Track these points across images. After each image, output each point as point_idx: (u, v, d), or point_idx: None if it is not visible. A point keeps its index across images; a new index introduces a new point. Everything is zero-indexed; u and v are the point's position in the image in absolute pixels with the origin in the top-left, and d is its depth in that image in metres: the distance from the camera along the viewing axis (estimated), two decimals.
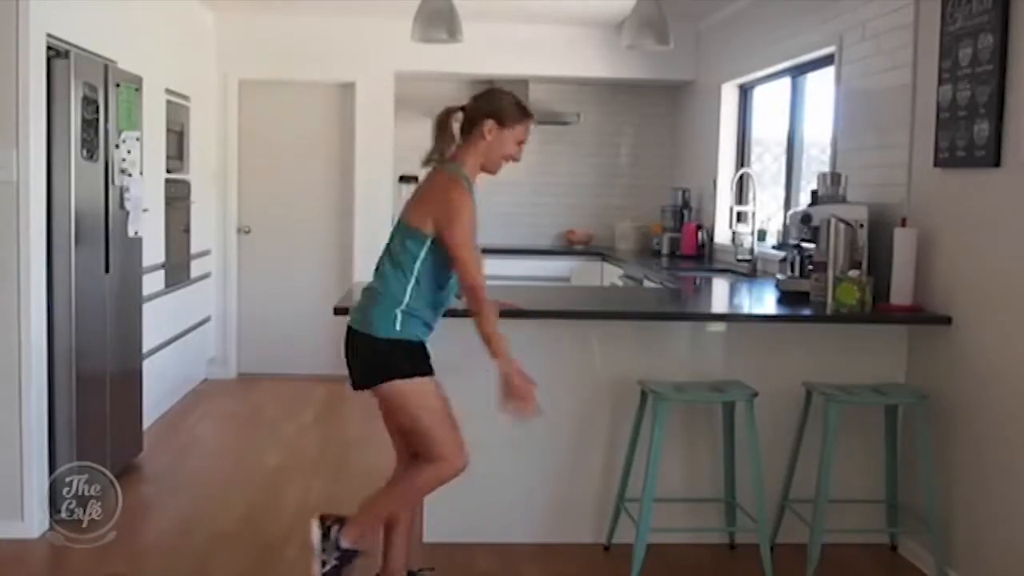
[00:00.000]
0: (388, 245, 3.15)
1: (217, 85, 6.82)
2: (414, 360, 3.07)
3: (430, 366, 3.10)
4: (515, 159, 3.21)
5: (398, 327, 3.03)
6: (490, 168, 3.20)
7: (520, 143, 3.19)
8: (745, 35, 6.00)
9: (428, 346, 3.13)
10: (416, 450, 3.15)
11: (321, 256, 7.03)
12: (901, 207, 3.89)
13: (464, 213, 3.02)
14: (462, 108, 3.16)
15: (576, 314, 3.90)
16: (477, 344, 3.80)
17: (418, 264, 3.05)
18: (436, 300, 3.12)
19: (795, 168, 5.46)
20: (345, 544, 3.11)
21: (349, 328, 3.12)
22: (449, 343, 3.80)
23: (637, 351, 3.83)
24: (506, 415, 3.05)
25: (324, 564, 3.10)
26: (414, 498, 3.29)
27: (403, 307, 3.04)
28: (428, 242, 3.03)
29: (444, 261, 3.06)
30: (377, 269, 3.15)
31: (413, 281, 3.05)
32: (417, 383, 3.06)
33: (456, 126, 3.15)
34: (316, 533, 3.12)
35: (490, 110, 3.12)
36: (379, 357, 3.05)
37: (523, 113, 3.18)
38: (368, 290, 3.14)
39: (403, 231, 3.08)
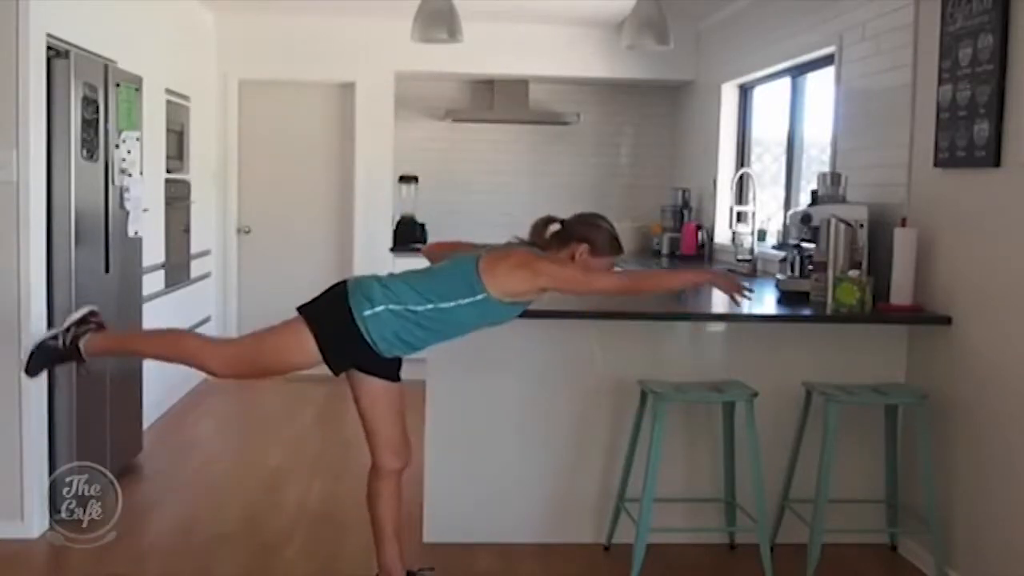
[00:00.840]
0: (441, 266, 3.17)
1: (217, 85, 6.82)
2: (342, 343, 3.02)
3: (346, 359, 3.08)
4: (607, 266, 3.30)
5: (367, 313, 3.00)
6: (561, 287, 3.20)
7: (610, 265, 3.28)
8: (745, 35, 6.00)
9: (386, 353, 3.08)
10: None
11: (321, 256, 7.03)
12: (901, 207, 3.89)
13: (549, 264, 3.10)
14: (561, 222, 3.27)
15: (576, 314, 3.90)
16: (477, 347, 3.82)
17: (452, 304, 3.03)
18: (430, 335, 3.11)
19: (795, 168, 5.46)
20: (81, 348, 3.16)
21: (345, 281, 3.12)
22: (449, 344, 3.81)
23: (637, 351, 3.83)
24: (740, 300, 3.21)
25: (56, 338, 3.17)
26: (166, 349, 3.30)
27: (398, 309, 3.01)
28: (479, 298, 3.03)
29: (474, 322, 3.13)
30: (413, 272, 3.16)
31: (431, 307, 3.03)
32: (307, 344, 3.01)
33: (550, 232, 3.27)
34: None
35: (590, 236, 3.24)
36: (332, 311, 3.03)
37: (615, 250, 3.29)
38: (391, 275, 3.16)
39: (469, 274, 3.05)
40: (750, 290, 3.23)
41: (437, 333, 3.11)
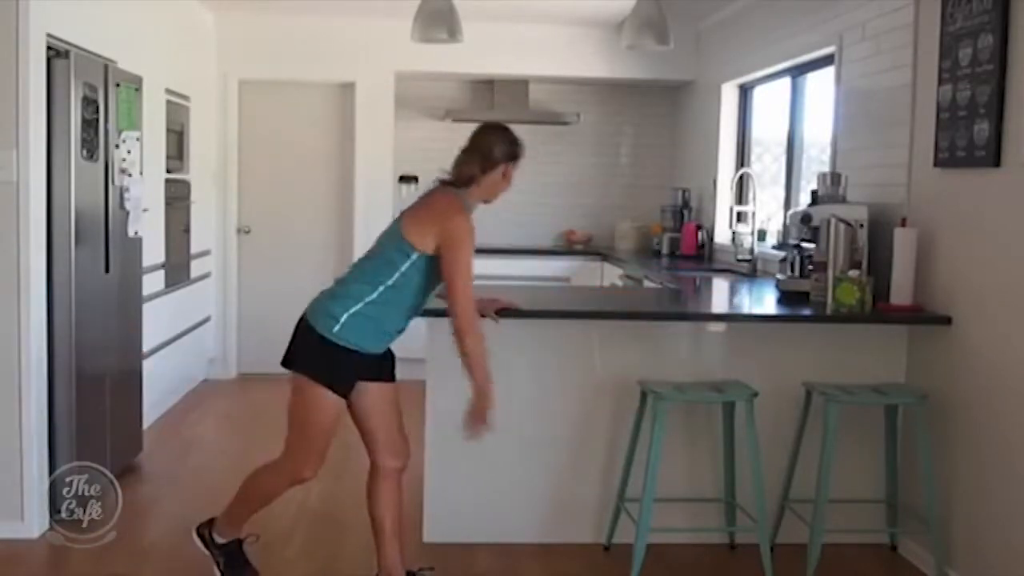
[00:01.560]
0: (374, 246, 3.20)
1: (217, 85, 6.82)
2: (335, 369, 3.10)
3: (349, 379, 3.13)
4: (507, 184, 3.33)
5: (336, 329, 3.06)
6: (491, 200, 3.33)
7: (507, 178, 3.30)
8: (745, 35, 6.00)
9: (388, 348, 3.21)
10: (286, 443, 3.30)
11: (321, 256, 7.02)
12: (901, 207, 3.89)
13: (470, 245, 3.09)
14: (473, 148, 3.27)
15: (576, 314, 3.90)
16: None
17: (396, 276, 3.08)
18: (402, 312, 3.15)
19: (795, 168, 5.46)
20: (221, 540, 3.38)
21: (304, 315, 3.17)
22: (450, 344, 3.81)
23: (637, 351, 3.83)
24: (470, 433, 3.13)
25: (218, 565, 3.39)
26: (262, 494, 3.37)
27: (358, 308, 3.06)
28: (414, 257, 3.07)
29: (427, 280, 3.12)
30: (355, 265, 3.21)
31: (382, 288, 3.08)
32: (319, 392, 3.11)
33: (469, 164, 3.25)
34: (199, 544, 3.40)
35: (512, 152, 3.25)
36: (309, 349, 3.12)
37: (522, 151, 3.31)
38: (337, 282, 3.19)
39: (395, 239, 3.12)
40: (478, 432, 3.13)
41: (407, 306, 3.14)
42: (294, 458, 3.26)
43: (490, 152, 3.21)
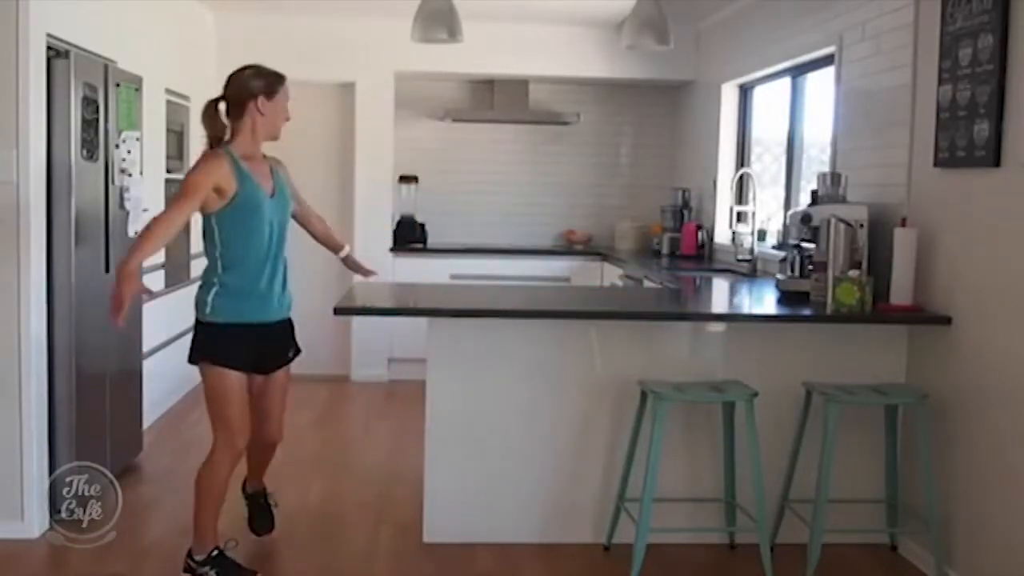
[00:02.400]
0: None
1: (217, 85, 6.76)
2: (215, 344, 3.33)
3: (234, 350, 3.34)
4: (288, 118, 3.48)
5: (208, 310, 3.33)
6: (275, 134, 3.46)
7: (286, 109, 3.46)
8: (745, 35, 6.00)
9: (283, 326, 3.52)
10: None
11: (321, 256, 6.98)
12: (901, 207, 3.89)
13: (190, 185, 3.28)
14: (223, 97, 3.40)
15: (576, 314, 3.90)
16: (477, 347, 3.82)
17: (216, 238, 3.32)
18: (249, 266, 3.35)
19: (795, 168, 5.46)
20: (201, 557, 3.44)
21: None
22: (450, 344, 3.81)
23: (637, 351, 3.83)
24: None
25: None
26: (212, 487, 3.43)
27: (217, 287, 3.33)
28: (212, 219, 3.31)
29: (243, 228, 3.32)
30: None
31: (219, 258, 3.33)
32: (218, 375, 3.33)
33: (222, 114, 3.40)
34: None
35: (256, 88, 3.36)
36: (195, 337, 3.39)
37: (279, 78, 3.44)
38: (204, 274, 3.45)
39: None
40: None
41: (251, 261, 3.35)
42: (218, 438, 3.40)
43: (236, 96, 3.37)
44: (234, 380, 3.34)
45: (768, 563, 3.50)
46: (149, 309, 5.07)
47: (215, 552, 3.43)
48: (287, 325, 3.55)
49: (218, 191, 3.25)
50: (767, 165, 6.18)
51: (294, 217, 3.63)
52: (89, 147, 4.06)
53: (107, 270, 4.29)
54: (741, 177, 6.03)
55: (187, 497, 4.38)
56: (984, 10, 3.34)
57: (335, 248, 3.93)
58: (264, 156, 3.47)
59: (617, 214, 7.45)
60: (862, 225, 3.90)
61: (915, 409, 3.59)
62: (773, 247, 5.14)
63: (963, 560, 3.51)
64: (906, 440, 3.79)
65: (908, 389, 3.77)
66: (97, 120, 4.12)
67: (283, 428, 3.72)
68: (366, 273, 3.95)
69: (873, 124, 4.23)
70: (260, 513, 3.90)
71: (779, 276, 4.39)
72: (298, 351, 3.62)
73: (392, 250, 6.93)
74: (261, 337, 3.41)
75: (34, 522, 3.80)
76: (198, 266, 6.38)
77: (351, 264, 3.96)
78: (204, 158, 3.33)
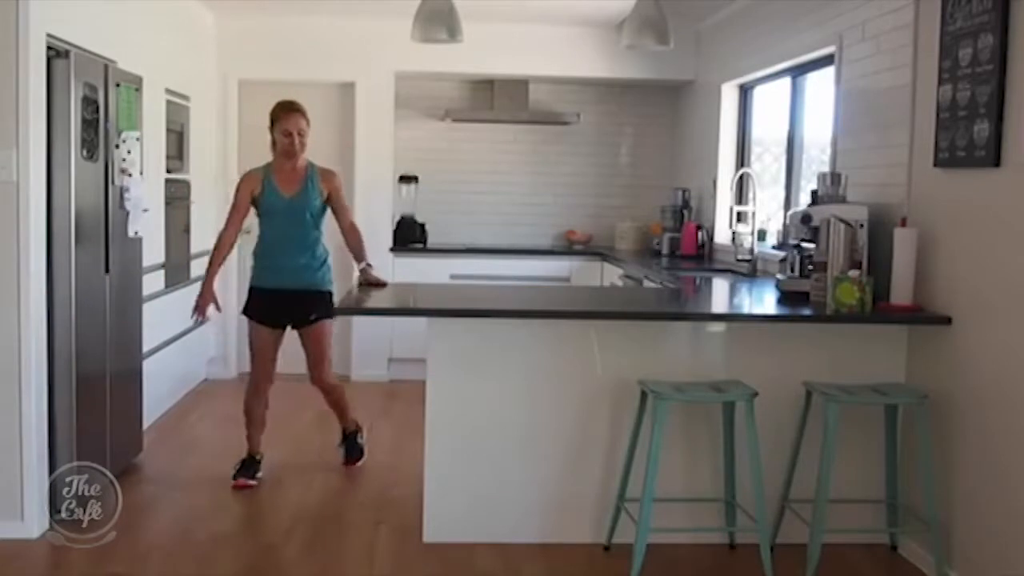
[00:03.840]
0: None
1: (217, 85, 6.82)
2: (248, 302, 4.61)
3: (259, 309, 4.55)
4: (288, 133, 4.51)
5: (250, 277, 4.62)
6: (284, 150, 4.54)
7: (285, 132, 4.50)
8: (745, 35, 6.00)
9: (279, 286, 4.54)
10: None
11: None
12: (901, 207, 3.89)
13: (235, 192, 4.62)
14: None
15: (576, 314, 3.90)
16: (477, 347, 3.82)
17: (260, 229, 4.60)
18: (267, 245, 4.56)
19: (795, 168, 5.46)
20: (244, 457, 4.69)
21: None
22: (450, 344, 3.82)
23: (637, 351, 3.83)
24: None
25: (237, 467, 4.62)
26: (245, 407, 4.67)
27: (254, 260, 4.60)
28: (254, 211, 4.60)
29: (261, 219, 4.57)
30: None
31: (258, 240, 4.59)
32: (248, 320, 4.59)
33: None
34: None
35: (271, 116, 4.57)
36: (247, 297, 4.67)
37: (278, 108, 4.57)
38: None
39: None
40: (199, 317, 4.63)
41: (265, 242, 4.56)
42: (252, 377, 4.62)
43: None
44: (259, 331, 4.53)
45: (768, 563, 3.50)
46: (149, 309, 5.07)
47: (246, 456, 4.60)
48: (307, 295, 4.53)
49: (253, 197, 4.52)
50: (767, 165, 6.18)
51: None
52: (89, 147, 4.06)
53: (107, 270, 4.29)
54: (741, 177, 6.02)
55: (187, 497, 4.40)
56: (984, 10, 3.34)
57: (356, 259, 4.65)
58: (310, 165, 4.61)
59: (617, 214, 7.44)
60: (862, 225, 3.90)
61: (915, 409, 3.59)
62: (773, 247, 5.14)
63: (963, 560, 3.51)
64: (906, 440, 3.79)
65: (908, 389, 3.77)
66: (97, 120, 4.12)
67: (325, 377, 4.67)
68: (376, 285, 4.45)
69: (873, 124, 4.23)
70: (348, 448, 4.85)
71: (779, 276, 4.39)
72: (325, 316, 4.55)
73: (392, 250, 6.93)
74: (277, 299, 4.49)
75: (34, 522, 3.79)
76: (198, 266, 6.41)
77: (365, 276, 4.50)
78: (242, 177, 4.64)
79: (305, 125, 4.53)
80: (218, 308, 4.58)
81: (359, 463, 4.84)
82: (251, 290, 4.58)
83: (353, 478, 4.74)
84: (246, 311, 4.58)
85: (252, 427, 4.63)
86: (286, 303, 4.52)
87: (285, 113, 4.49)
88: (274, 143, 4.51)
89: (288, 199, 4.49)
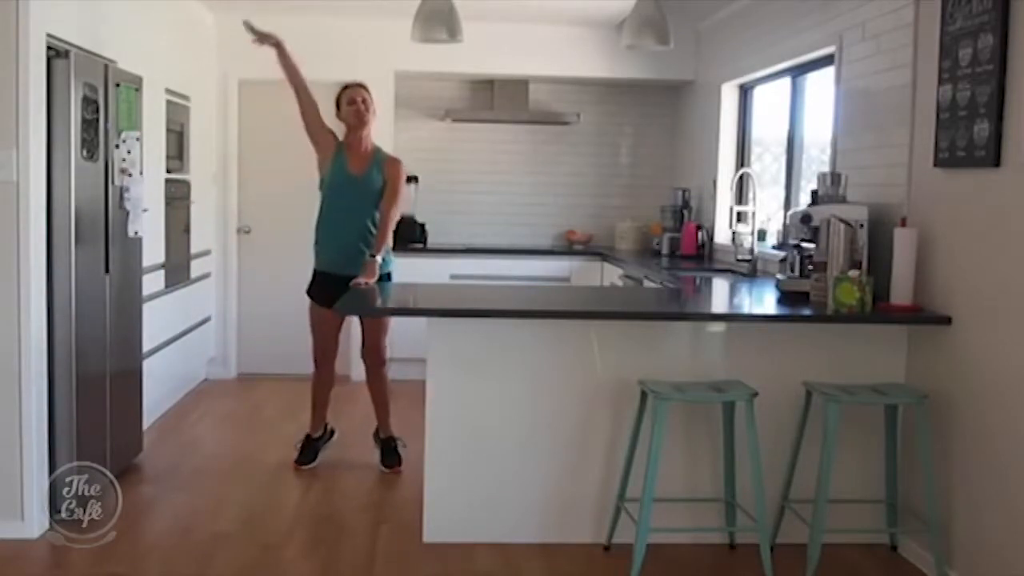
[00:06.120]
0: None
1: (217, 85, 6.81)
2: (310, 283, 4.78)
3: (318, 291, 4.67)
4: (352, 103, 4.80)
5: (316, 263, 4.77)
6: (353, 125, 4.81)
7: (351, 100, 4.80)
8: (745, 35, 6.01)
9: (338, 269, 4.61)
10: None
11: None
12: (901, 207, 3.89)
13: (320, 161, 4.84)
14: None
15: (576, 314, 3.90)
16: (477, 347, 3.82)
17: (320, 206, 4.78)
18: (327, 231, 4.75)
19: (795, 168, 5.46)
20: (307, 434, 4.96)
21: None
22: (450, 344, 3.82)
23: (637, 351, 3.83)
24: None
25: (299, 446, 4.95)
26: (312, 395, 4.93)
27: (315, 243, 4.76)
28: (320, 187, 4.80)
29: (328, 195, 4.75)
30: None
31: (317, 220, 4.78)
32: (310, 305, 4.77)
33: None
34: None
35: (339, 94, 4.91)
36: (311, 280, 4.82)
37: (342, 91, 4.90)
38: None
39: None
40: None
41: (324, 221, 4.76)
42: (313, 357, 4.81)
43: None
44: (321, 314, 4.65)
45: (768, 563, 3.50)
46: (149, 309, 5.07)
47: (306, 435, 4.87)
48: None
49: (321, 165, 4.79)
50: (767, 165, 6.18)
51: None
52: (89, 147, 4.06)
53: (107, 270, 4.29)
54: (741, 177, 6.03)
55: (187, 497, 4.40)
56: (984, 10, 3.34)
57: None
58: (377, 149, 4.80)
59: (617, 214, 7.44)
60: (862, 225, 3.90)
61: (915, 409, 3.59)
62: (773, 247, 5.14)
63: (963, 560, 3.51)
64: (906, 440, 3.79)
65: (908, 389, 3.77)
66: (97, 120, 4.12)
67: (379, 354, 4.79)
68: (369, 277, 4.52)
69: (873, 124, 4.23)
70: (386, 452, 4.82)
71: (779, 276, 4.39)
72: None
73: (392, 250, 6.91)
74: (340, 284, 4.39)
75: (34, 522, 3.79)
76: (198, 267, 6.42)
77: (366, 266, 4.53)
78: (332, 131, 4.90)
79: (368, 96, 4.76)
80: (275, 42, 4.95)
81: (399, 469, 4.77)
82: (315, 274, 4.74)
83: (353, 478, 4.74)
84: (309, 292, 4.75)
85: (315, 409, 4.88)
86: (342, 288, 4.41)
87: (348, 88, 4.80)
88: (345, 122, 4.78)
89: (355, 177, 4.66)
